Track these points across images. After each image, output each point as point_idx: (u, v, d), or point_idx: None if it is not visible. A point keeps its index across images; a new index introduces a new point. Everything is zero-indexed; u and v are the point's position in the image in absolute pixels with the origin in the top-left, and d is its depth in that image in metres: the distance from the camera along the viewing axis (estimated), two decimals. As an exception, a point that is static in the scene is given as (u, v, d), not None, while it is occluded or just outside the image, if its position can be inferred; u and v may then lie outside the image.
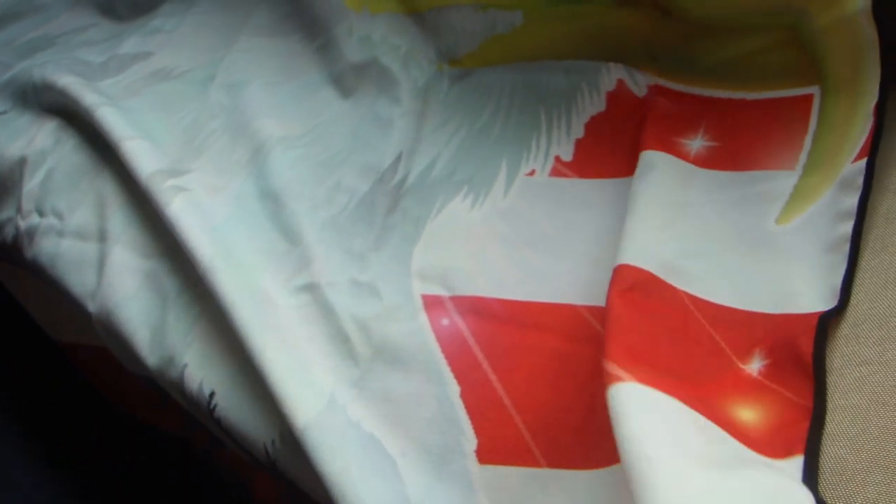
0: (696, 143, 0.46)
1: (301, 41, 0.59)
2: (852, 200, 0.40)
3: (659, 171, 0.44)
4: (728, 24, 0.46)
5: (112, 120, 0.53)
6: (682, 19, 0.47)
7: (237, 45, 0.59)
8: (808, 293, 0.38)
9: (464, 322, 0.42)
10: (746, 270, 0.40)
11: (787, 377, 0.36)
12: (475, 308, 0.42)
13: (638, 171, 0.44)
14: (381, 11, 0.57)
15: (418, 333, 0.42)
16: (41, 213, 0.54)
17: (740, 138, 0.45)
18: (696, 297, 0.40)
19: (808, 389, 0.35)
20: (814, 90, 0.44)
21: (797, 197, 0.42)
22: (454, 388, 0.40)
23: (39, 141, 0.56)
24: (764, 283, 0.40)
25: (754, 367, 0.37)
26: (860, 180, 0.40)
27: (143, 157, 0.50)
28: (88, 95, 0.55)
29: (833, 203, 0.40)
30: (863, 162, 0.40)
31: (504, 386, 0.39)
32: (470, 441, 0.38)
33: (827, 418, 0.34)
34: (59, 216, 0.53)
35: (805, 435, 0.34)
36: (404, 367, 0.41)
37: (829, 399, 0.35)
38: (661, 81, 0.49)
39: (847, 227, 0.39)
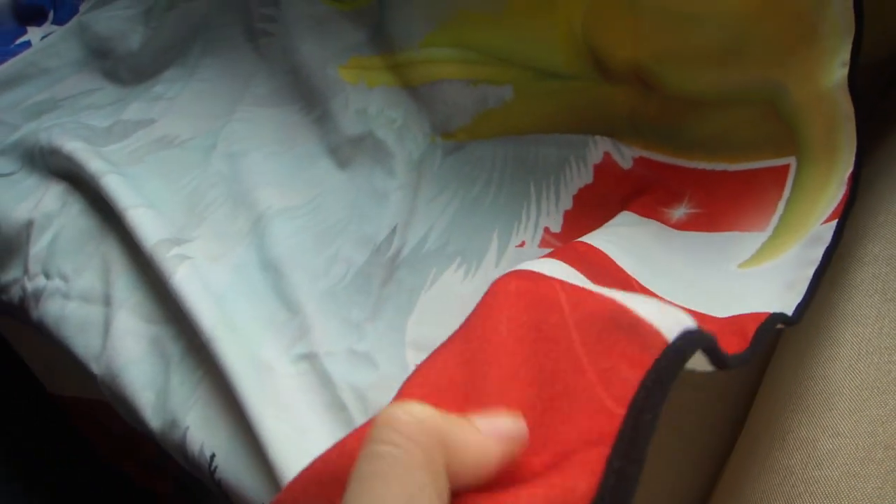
0: (680, 212, 0.47)
1: (299, 112, 0.60)
2: (819, 251, 0.39)
3: (634, 222, 0.44)
4: (709, 99, 0.47)
5: (117, 188, 0.54)
6: (666, 95, 0.48)
7: (236, 115, 0.60)
8: (763, 308, 0.37)
9: None
10: (696, 287, 0.40)
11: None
12: None
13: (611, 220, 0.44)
14: (376, 85, 0.58)
15: None
16: (48, 276, 0.55)
17: (718, 205, 0.46)
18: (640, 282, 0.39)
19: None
20: (791, 160, 0.45)
21: (763, 252, 0.42)
22: None
23: (46, 204, 0.57)
24: (712, 295, 0.38)
25: None
26: (829, 236, 0.40)
27: (147, 225, 0.52)
28: (94, 162, 0.56)
29: (798, 256, 0.40)
30: (833, 223, 0.40)
31: None
32: None
33: (800, 489, 0.35)
34: (65, 279, 0.54)
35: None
36: None
37: (803, 470, 0.36)
38: (646, 154, 0.50)
39: (810, 271, 0.39)
